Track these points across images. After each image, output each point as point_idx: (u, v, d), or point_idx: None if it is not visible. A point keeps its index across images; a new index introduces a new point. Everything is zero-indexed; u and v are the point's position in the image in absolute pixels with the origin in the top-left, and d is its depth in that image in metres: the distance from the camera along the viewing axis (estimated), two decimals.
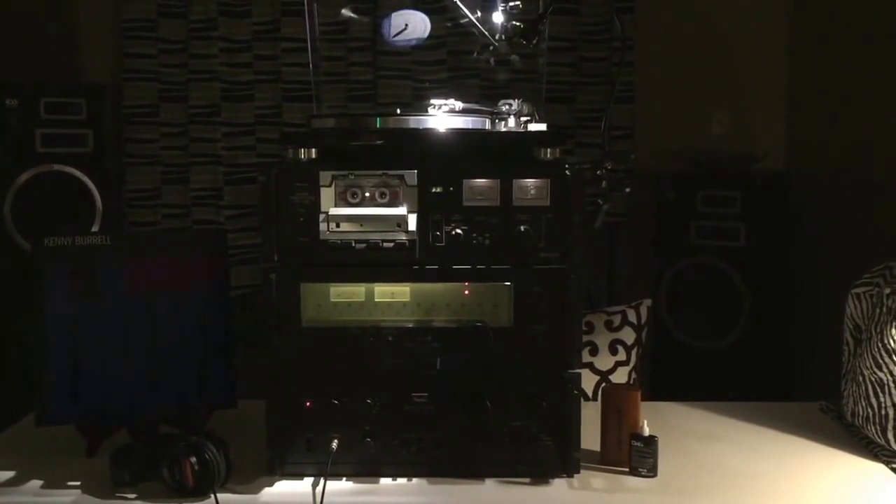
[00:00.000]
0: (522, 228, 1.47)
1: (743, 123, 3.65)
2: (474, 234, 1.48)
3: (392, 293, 1.52)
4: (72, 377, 1.63)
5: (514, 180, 1.47)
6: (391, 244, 1.46)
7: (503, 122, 1.62)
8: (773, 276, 3.30)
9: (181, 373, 1.67)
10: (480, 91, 3.36)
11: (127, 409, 1.65)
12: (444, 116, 1.54)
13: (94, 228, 3.27)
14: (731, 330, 3.30)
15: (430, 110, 1.54)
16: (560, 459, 1.51)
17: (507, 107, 1.65)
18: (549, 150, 1.48)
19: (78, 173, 3.30)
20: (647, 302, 2.20)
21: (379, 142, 1.50)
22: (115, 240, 1.64)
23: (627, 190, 1.43)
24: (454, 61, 3.44)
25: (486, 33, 1.75)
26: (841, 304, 1.79)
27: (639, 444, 1.53)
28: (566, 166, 1.47)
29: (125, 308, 1.64)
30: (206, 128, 3.62)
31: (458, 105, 1.57)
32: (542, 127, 1.56)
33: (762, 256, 3.26)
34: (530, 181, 1.47)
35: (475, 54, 1.83)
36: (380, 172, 1.47)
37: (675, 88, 3.53)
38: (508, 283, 1.50)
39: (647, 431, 1.53)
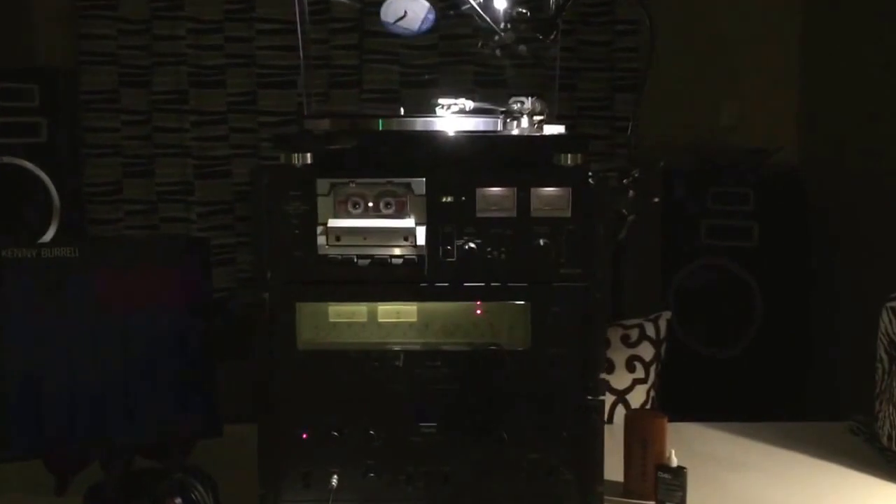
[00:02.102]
0: (541, 242, 1.44)
1: (753, 116, 3.64)
2: (488, 249, 1.45)
3: (397, 313, 1.48)
4: (35, 405, 1.57)
5: (532, 189, 1.44)
6: (399, 260, 1.42)
7: (515, 123, 1.59)
8: (789, 279, 3.30)
9: (160, 399, 1.63)
10: (475, 78, 3.32)
11: (99, 440, 1.60)
12: (453, 118, 1.50)
13: (51, 227, 3.20)
14: (743, 336, 3.29)
15: (439, 111, 1.50)
16: (581, 494, 1.48)
17: (518, 105, 1.62)
18: (570, 155, 1.45)
19: (30, 166, 3.21)
20: (667, 314, 2.18)
21: (383, 146, 1.46)
22: (85, 250, 1.59)
23: (656, 200, 1.39)
24: (446, 46, 3.40)
25: (490, 21, 1.71)
26: (861, 308, 1.78)
27: (666, 475, 1.51)
28: (590, 174, 1.43)
29: (96, 327, 1.59)
30: (172, 116, 3.57)
31: (469, 105, 1.54)
32: (560, 129, 1.52)
33: (776, 257, 3.25)
34: (550, 190, 1.44)
35: (479, 45, 1.79)
36: (384, 181, 1.43)
37: (682, 79, 3.51)
38: (525, 303, 1.46)
39: (675, 462, 1.51)
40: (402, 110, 1.57)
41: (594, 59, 3.50)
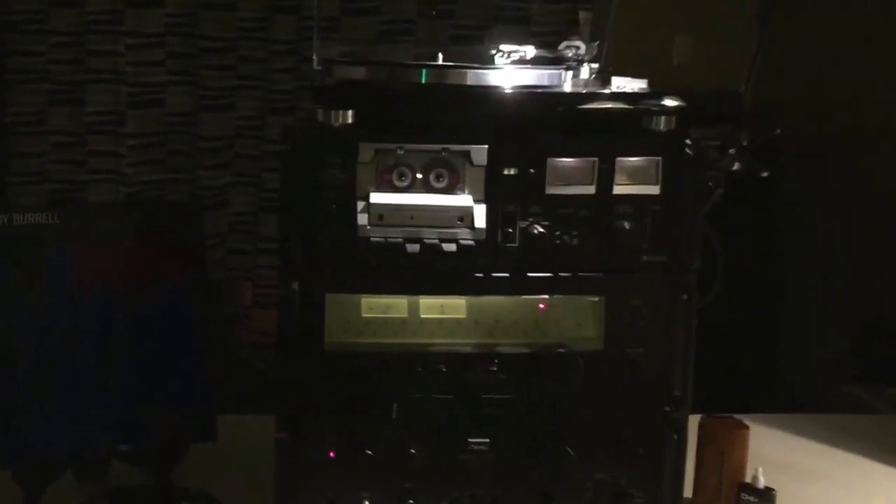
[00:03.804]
0: (626, 225, 1.17)
1: (710, 53, 3.38)
2: (559, 232, 1.18)
3: (442, 307, 1.21)
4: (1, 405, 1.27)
5: (616, 159, 1.17)
6: (452, 246, 1.14)
7: (571, 74, 1.32)
8: (750, 236, 3.08)
9: (146, 396, 1.33)
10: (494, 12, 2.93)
11: (75, 444, 1.30)
12: (511, 69, 1.21)
13: None
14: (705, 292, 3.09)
15: (498, 59, 1.21)
16: None
17: (574, 51, 1.34)
18: (664, 118, 1.18)
19: None
20: None
21: (435, 104, 1.17)
22: (66, 217, 1.27)
23: (765, 174, 1.14)
24: None
25: None
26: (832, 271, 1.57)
27: (751, 498, 1.28)
28: (687, 142, 1.17)
29: (74, 310, 1.29)
30: (105, 38, 3.16)
31: (531, 51, 1.25)
32: (639, 83, 1.25)
33: (737, 215, 3.03)
34: (637, 161, 1.17)
35: None
36: (439, 147, 1.14)
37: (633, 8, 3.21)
38: (599, 297, 1.21)
39: (762, 482, 1.28)
40: (440, 57, 1.27)
41: None
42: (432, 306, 1.22)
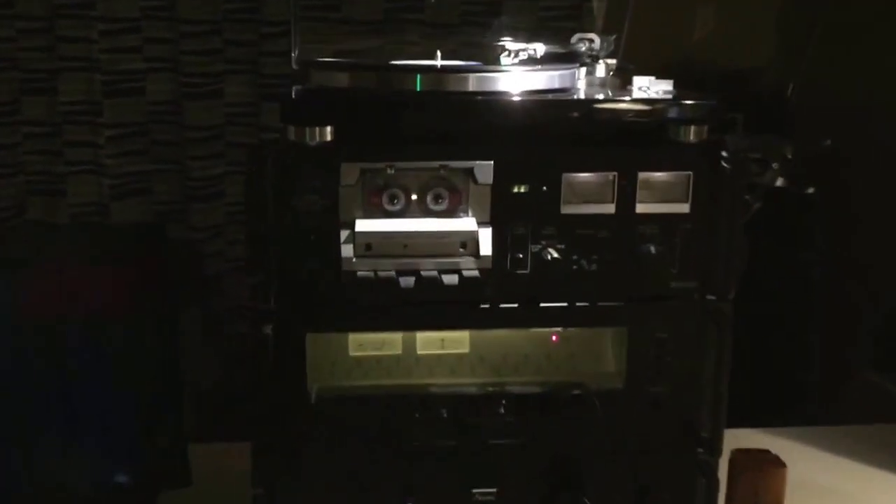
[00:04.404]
0: (651, 249, 1.02)
1: (732, 28, 3.22)
2: (576, 257, 1.02)
3: (442, 342, 1.06)
4: None
5: (639, 173, 1.01)
6: (454, 278, 0.99)
7: (584, 72, 1.16)
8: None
9: (108, 438, 1.18)
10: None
11: (29, 493, 1.16)
12: (519, 71, 1.05)
13: None
14: None
15: (504, 59, 1.05)
16: None
17: (587, 45, 1.18)
18: (693, 128, 1.02)
19: None
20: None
21: (431, 114, 1.01)
22: (13, 237, 1.12)
23: (811, 190, 0.98)
24: None
25: None
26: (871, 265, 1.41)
27: None
28: (723, 154, 1.01)
29: (23, 343, 1.13)
30: (77, 23, 2.98)
31: (540, 49, 1.09)
32: (664, 85, 1.09)
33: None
34: (664, 176, 1.02)
35: None
36: (437, 164, 0.98)
37: None
38: (621, 327, 1.06)
39: None
40: (438, 54, 1.11)
41: None
42: (431, 341, 1.07)
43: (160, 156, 3.14)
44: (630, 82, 1.12)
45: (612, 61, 1.20)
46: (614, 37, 1.18)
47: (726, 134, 1.00)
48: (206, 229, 2.53)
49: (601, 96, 1.06)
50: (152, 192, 2.89)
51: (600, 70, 1.18)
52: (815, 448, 1.50)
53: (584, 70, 1.17)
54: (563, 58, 1.12)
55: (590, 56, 1.18)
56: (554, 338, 1.08)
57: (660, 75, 1.07)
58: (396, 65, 1.06)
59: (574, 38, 1.19)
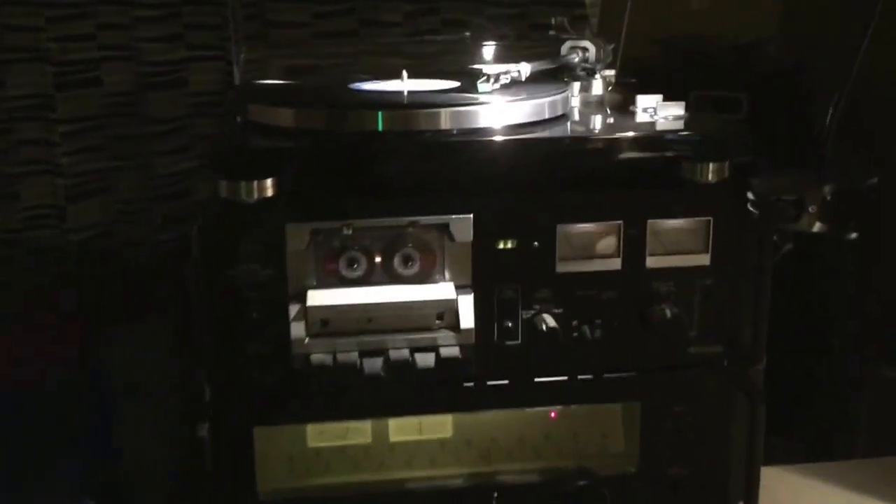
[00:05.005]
0: (667, 312, 0.84)
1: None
2: (576, 323, 0.84)
3: (419, 426, 0.89)
4: None
5: (649, 221, 0.83)
6: (430, 358, 0.81)
7: (579, 87, 0.99)
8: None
9: None
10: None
11: None
12: (502, 101, 0.87)
13: None
14: None
15: (482, 85, 0.87)
16: None
17: (580, 54, 1.00)
18: (711, 165, 0.84)
19: None
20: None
21: (397, 161, 0.82)
22: None
23: (853, 235, 0.80)
24: None
25: None
26: None
27: None
28: (750, 196, 0.83)
29: None
30: (21, 10, 2.77)
31: (525, 69, 0.90)
32: (676, 109, 0.91)
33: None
34: (678, 222, 0.84)
35: None
36: (405, 221, 0.80)
37: None
38: (633, 402, 0.88)
39: None
40: (405, 74, 0.92)
41: None
42: (406, 425, 0.89)
43: (120, 152, 2.92)
44: (632, 101, 0.95)
45: (610, 73, 1.02)
46: (612, 46, 0.99)
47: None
48: (170, 230, 2.34)
49: (599, 127, 0.88)
50: (113, 190, 2.68)
51: (597, 86, 1.00)
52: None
53: (577, 85, 1.00)
54: (554, 73, 0.94)
55: (584, 69, 1.00)
56: (552, 415, 0.90)
57: (658, 51, 0.90)
58: (353, 101, 0.87)
59: (565, 48, 1.01)
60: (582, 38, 1.01)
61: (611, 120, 0.91)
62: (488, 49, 1.20)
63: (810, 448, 1.38)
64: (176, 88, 2.84)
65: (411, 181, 0.82)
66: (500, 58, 1.19)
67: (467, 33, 1.29)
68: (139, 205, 1.98)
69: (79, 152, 2.94)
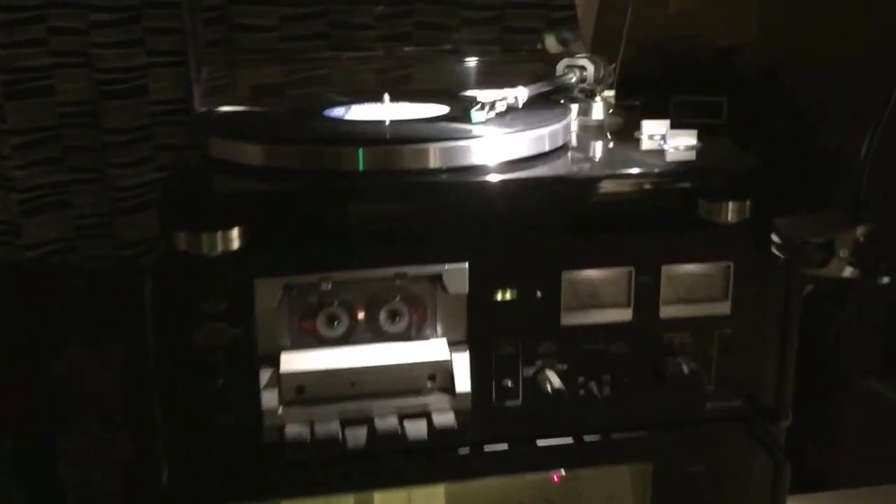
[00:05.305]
0: (684, 368, 0.75)
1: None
2: (583, 379, 0.75)
3: (408, 498, 0.79)
4: None
5: (663, 266, 0.74)
6: (422, 426, 0.71)
7: (579, 106, 0.90)
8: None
9: None
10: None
11: None
12: (498, 133, 0.77)
13: None
14: None
15: (476, 115, 0.77)
16: None
17: (575, 75, 0.91)
18: (731, 204, 0.75)
19: None
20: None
21: (381, 202, 0.73)
22: None
23: (886, 280, 0.72)
24: None
25: None
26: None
27: None
28: (774, 239, 0.74)
29: None
30: None
31: (522, 95, 0.81)
32: (688, 138, 0.82)
33: None
34: (695, 268, 0.75)
35: None
36: (391, 272, 0.71)
37: None
38: (644, 463, 0.80)
39: None
40: (386, 98, 0.83)
41: None
42: (394, 499, 0.80)
43: (77, 164, 2.78)
44: (636, 125, 0.86)
45: (611, 94, 0.93)
46: (613, 66, 0.90)
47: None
48: (142, 243, 2.22)
49: (605, 160, 0.79)
50: (71, 205, 2.54)
51: (597, 109, 0.91)
52: None
53: (576, 108, 0.91)
54: (551, 96, 0.85)
55: (582, 90, 0.91)
56: (555, 478, 0.81)
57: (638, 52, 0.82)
58: (330, 134, 0.78)
59: (561, 67, 0.92)
60: (576, 54, 0.92)
61: (615, 150, 0.82)
62: (470, 62, 1.11)
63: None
64: (135, 97, 2.70)
65: (398, 227, 0.72)
66: (483, 71, 1.10)
67: (448, 46, 1.19)
68: (98, 219, 1.87)
69: (32, 165, 2.80)
